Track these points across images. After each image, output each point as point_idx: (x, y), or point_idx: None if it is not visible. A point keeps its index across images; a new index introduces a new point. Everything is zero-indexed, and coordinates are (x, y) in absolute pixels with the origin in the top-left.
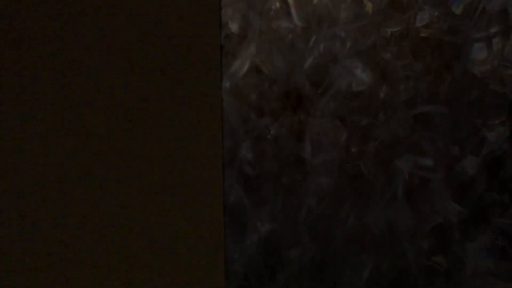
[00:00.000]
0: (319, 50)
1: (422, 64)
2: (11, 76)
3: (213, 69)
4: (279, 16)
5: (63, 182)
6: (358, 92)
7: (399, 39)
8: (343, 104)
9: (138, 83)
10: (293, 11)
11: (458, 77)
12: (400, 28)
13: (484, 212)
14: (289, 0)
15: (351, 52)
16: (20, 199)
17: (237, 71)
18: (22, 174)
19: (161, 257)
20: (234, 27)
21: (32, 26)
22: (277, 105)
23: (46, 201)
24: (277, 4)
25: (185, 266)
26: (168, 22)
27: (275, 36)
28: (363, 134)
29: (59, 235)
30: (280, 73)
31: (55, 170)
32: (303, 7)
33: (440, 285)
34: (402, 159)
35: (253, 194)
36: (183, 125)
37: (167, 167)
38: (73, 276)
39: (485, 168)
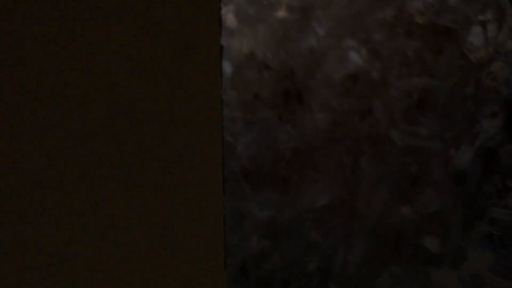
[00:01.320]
0: (314, 36)
1: (415, 48)
2: (11, 76)
3: (213, 69)
4: (273, 3)
5: (63, 182)
6: (352, 76)
7: (393, 23)
8: (338, 89)
9: (138, 83)
10: None
11: (452, 63)
12: (394, 13)
13: (479, 201)
14: None
15: (345, 36)
16: (20, 199)
17: (235, 59)
18: (22, 174)
19: (161, 257)
20: (229, 16)
21: (32, 26)
22: (274, 94)
23: (46, 201)
24: None
25: (185, 266)
26: (168, 22)
27: (269, 24)
28: (357, 119)
29: (59, 235)
30: (275, 61)
31: (55, 170)
32: None
33: (436, 276)
34: (396, 142)
35: (252, 184)
36: (183, 125)
37: (167, 167)
38: (73, 276)
39: (480, 158)
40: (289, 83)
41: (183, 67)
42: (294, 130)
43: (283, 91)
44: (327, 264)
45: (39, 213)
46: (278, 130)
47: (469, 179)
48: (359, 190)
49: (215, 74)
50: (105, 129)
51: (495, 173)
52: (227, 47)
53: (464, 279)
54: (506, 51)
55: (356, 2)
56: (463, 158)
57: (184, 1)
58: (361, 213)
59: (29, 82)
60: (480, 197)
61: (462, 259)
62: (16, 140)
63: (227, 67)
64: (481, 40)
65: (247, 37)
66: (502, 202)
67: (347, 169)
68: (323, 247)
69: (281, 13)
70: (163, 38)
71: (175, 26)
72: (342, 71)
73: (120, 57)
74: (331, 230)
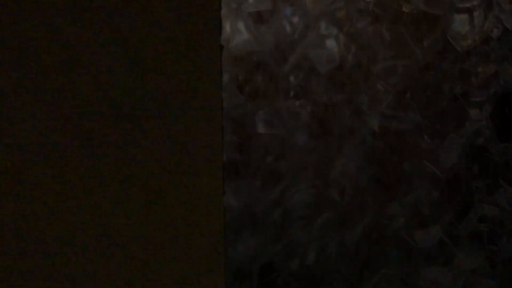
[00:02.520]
0: (292, 24)
1: (399, 36)
2: (11, 76)
3: (213, 69)
4: None
5: (63, 182)
6: (332, 66)
7: (377, 12)
8: (320, 78)
9: (138, 83)
10: None
11: (438, 52)
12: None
13: (467, 197)
14: None
15: (326, 24)
16: (20, 199)
17: None
18: (22, 174)
19: (161, 257)
20: None
21: (32, 27)
22: (250, 82)
23: (46, 201)
24: None
25: (185, 266)
26: (168, 22)
27: (246, 10)
28: (334, 109)
29: (59, 235)
30: (253, 49)
31: (55, 170)
32: None
33: (425, 274)
34: (381, 133)
35: (227, 175)
36: (183, 125)
37: (167, 167)
38: (73, 276)
39: (468, 152)
40: (266, 74)
41: (183, 67)
42: (271, 118)
43: (260, 79)
44: (298, 254)
45: (39, 213)
46: (255, 119)
47: (457, 173)
48: (342, 185)
49: (215, 74)
50: (105, 129)
51: (483, 167)
52: None
53: (456, 276)
54: (493, 40)
55: None
56: (451, 152)
57: (184, 2)
58: (346, 209)
59: (29, 82)
60: (469, 193)
61: (452, 256)
62: (16, 140)
63: None
64: (468, 28)
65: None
66: (491, 199)
67: (329, 163)
68: (305, 245)
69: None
70: (163, 38)
71: (175, 26)
72: (324, 59)
73: (121, 57)
74: (315, 227)
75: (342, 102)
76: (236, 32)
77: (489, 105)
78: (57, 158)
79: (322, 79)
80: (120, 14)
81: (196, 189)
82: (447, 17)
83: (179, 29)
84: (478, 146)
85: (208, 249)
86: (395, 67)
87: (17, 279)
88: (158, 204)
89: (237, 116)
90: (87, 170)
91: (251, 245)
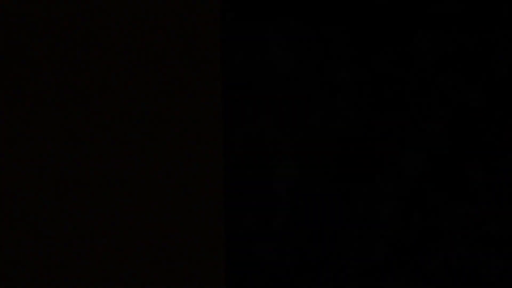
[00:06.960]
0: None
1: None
2: (11, 76)
3: (213, 69)
4: None
5: (63, 182)
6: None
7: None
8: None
9: (138, 83)
10: None
11: (400, 64)
12: None
13: (424, 208)
14: None
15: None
16: (20, 199)
17: None
18: (22, 174)
19: (161, 257)
20: None
21: (32, 27)
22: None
23: (46, 201)
24: None
25: (185, 266)
26: (168, 22)
27: None
28: (301, 115)
29: (58, 235)
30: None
31: (54, 170)
32: None
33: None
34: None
35: None
36: (183, 125)
37: (167, 167)
38: (72, 276)
39: (427, 164)
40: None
41: (183, 67)
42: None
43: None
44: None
45: (39, 213)
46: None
47: (418, 185)
48: (299, 193)
49: (215, 73)
50: (104, 130)
51: (442, 180)
52: None
53: None
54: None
55: None
56: (411, 162)
57: (184, 2)
58: (300, 217)
59: (29, 82)
60: (428, 204)
61: (408, 269)
62: (16, 140)
63: None
64: (428, 44)
65: None
66: (449, 210)
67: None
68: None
69: None
70: (163, 38)
71: (175, 26)
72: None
73: (121, 57)
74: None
75: (302, 111)
76: None
77: (448, 119)
78: (57, 158)
79: (280, 86)
80: (120, 14)
81: (196, 188)
82: (409, 32)
83: (179, 30)
84: (438, 158)
85: (208, 250)
86: (356, 76)
87: (17, 279)
88: (158, 204)
89: None
90: (85, 170)
91: None
